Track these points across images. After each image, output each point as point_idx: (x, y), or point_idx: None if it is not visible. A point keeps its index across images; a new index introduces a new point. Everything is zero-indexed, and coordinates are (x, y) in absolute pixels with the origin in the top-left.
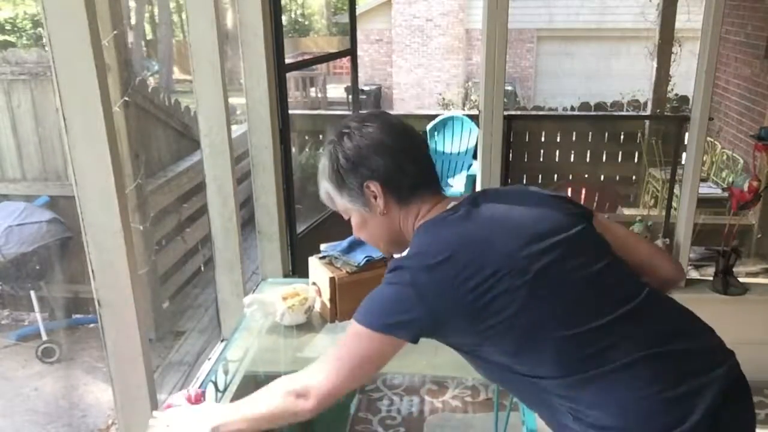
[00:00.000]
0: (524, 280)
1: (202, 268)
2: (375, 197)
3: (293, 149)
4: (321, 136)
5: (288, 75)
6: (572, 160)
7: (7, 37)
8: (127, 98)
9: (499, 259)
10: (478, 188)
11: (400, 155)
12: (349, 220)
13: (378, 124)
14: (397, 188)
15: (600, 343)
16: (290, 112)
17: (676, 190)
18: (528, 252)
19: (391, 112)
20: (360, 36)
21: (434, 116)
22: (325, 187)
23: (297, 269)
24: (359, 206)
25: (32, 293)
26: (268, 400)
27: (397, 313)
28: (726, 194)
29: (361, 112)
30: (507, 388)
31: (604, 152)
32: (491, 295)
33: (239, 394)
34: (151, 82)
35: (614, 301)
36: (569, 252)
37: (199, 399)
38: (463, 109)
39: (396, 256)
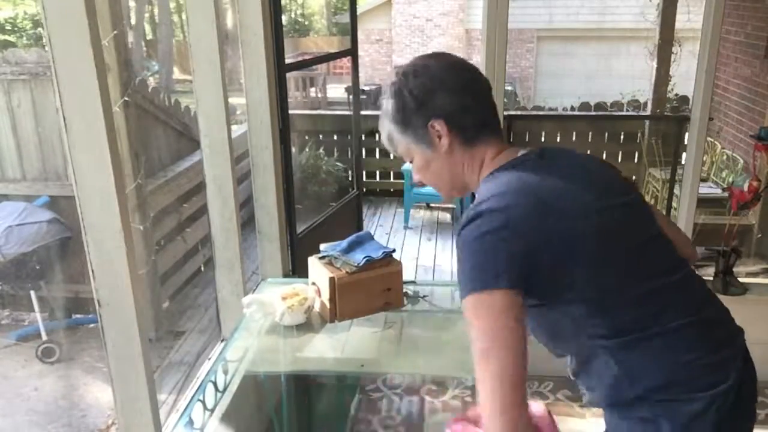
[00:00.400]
0: (594, 230)
1: (202, 268)
2: (440, 136)
3: (293, 149)
4: (321, 136)
5: (288, 75)
6: None
7: (7, 37)
8: (127, 98)
9: (575, 206)
10: None
11: (465, 94)
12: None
13: (444, 62)
14: (462, 127)
15: (651, 307)
16: (290, 112)
17: (676, 190)
18: (600, 205)
19: None
20: (360, 36)
21: None
22: (388, 128)
23: (297, 269)
24: (424, 146)
25: (32, 293)
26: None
27: (498, 262)
28: (726, 194)
29: (423, 55)
30: (565, 352)
31: (604, 152)
32: (574, 240)
33: (239, 394)
34: (151, 82)
35: (664, 269)
36: (633, 214)
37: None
38: None
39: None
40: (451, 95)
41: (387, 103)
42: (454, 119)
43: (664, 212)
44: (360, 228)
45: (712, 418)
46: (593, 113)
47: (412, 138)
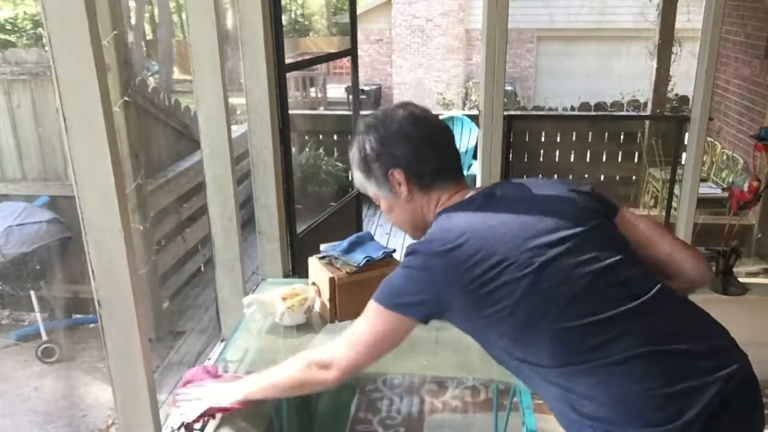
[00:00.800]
0: (527, 272)
1: (202, 268)
2: (399, 184)
3: (293, 149)
4: (321, 136)
5: (288, 75)
6: (572, 160)
7: (7, 37)
8: (127, 98)
9: (506, 249)
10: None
11: (421, 143)
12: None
13: (401, 114)
14: (419, 175)
15: (599, 337)
16: (290, 112)
17: (676, 190)
18: (534, 244)
19: None
20: (360, 36)
21: None
22: (357, 175)
23: (297, 269)
24: (385, 192)
25: (32, 293)
26: (293, 371)
27: (408, 294)
28: (726, 194)
29: (387, 106)
30: (513, 372)
31: (604, 152)
32: (494, 284)
33: None
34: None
35: (620, 297)
36: (578, 246)
37: (217, 373)
38: (463, 109)
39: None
40: (408, 146)
41: (353, 152)
42: (411, 168)
43: (663, 213)
44: (360, 228)
45: None
46: (593, 113)
47: (375, 185)
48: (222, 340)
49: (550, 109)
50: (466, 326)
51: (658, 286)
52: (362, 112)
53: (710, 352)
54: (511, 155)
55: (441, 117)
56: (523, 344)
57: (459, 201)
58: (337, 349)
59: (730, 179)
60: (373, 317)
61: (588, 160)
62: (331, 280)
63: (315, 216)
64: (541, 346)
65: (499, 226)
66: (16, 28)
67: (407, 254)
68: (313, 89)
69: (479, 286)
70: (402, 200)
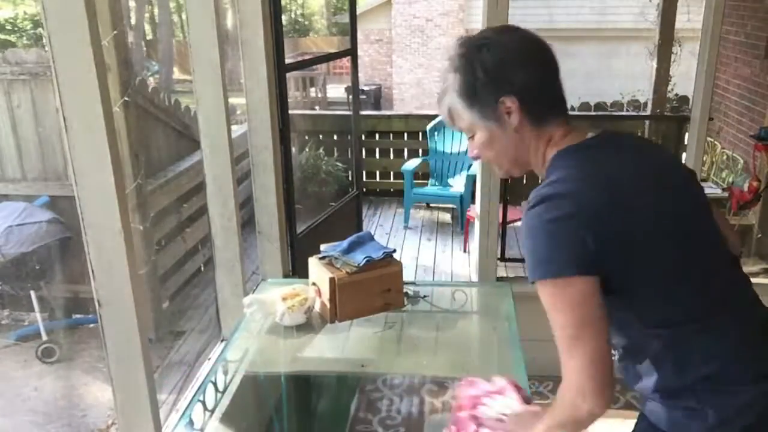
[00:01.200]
0: (662, 219)
1: (202, 268)
2: (509, 113)
3: (293, 149)
4: (321, 136)
5: (288, 75)
6: None
7: (7, 37)
8: (127, 98)
9: (644, 195)
10: (478, 188)
11: (542, 71)
12: (467, 137)
13: (517, 36)
14: (535, 106)
15: (709, 298)
16: (290, 112)
17: None
18: (668, 194)
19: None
20: (360, 36)
21: (434, 116)
22: (451, 102)
23: (297, 269)
24: (490, 123)
25: (32, 293)
26: (568, 414)
27: (566, 248)
28: (726, 194)
29: (493, 27)
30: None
31: None
32: (647, 228)
33: (239, 395)
34: (151, 82)
35: (722, 262)
36: (695, 204)
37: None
38: None
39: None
40: (525, 71)
41: (452, 76)
42: (526, 97)
43: None
44: (360, 228)
45: (757, 411)
46: (593, 113)
47: (478, 113)
48: (222, 340)
49: None
50: (612, 280)
51: (735, 256)
52: (362, 113)
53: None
54: None
55: (441, 117)
56: (662, 299)
57: (579, 141)
58: (569, 369)
59: (730, 179)
60: (557, 298)
61: None
62: (331, 280)
63: (315, 216)
64: (675, 301)
65: (632, 174)
66: (16, 28)
67: (538, 203)
68: (313, 89)
69: (629, 231)
70: (508, 132)
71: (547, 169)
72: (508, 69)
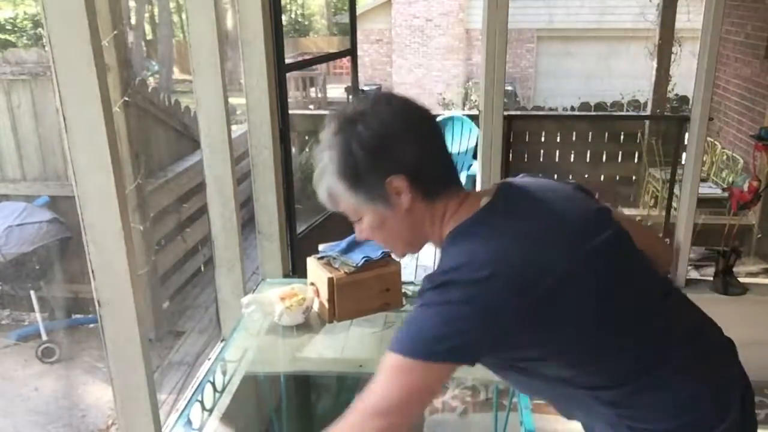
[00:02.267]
0: (589, 280)
1: (202, 268)
2: (399, 193)
3: (293, 149)
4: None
5: (288, 75)
6: (572, 160)
7: (7, 37)
8: (127, 98)
9: (563, 259)
10: (478, 188)
11: (428, 143)
12: (352, 220)
13: (395, 106)
14: (425, 182)
15: (650, 349)
16: (290, 112)
17: (676, 190)
18: (586, 249)
19: None
20: (360, 36)
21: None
22: (330, 186)
23: (297, 269)
24: (378, 205)
25: (32, 293)
26: None
27: (452, 336)
28: (726, 194)
29: (363, 95)
30: (553, 401)
31: (604, 152)
32: (561, 301)
33: (238, 395)
34: (151, 82)
35: (655, 299)
36: (616, 247)
37: None
38: (463, 109)
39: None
40: (410, 146)
41: (329, 155)
42: (415, 174)
43: (663, 213)
44: None
45: None
46: (593, 113)
47: (363, 196)
48: (222, 340)
49: (550, 109)
50: (520, 358)
51: (668, 279)
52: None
53: (717, 333)
54: (511, 155)
55: (441, 117)
56: (589, 367)
57: (476, 211)
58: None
59: (730, 179)
60: (401, 375)
61: (588, 160)
62: (330, 280)
63: (315, 216)
64: (607, 364)
65: (543, 234)
66: (16, 28)
67: (433, 287)
68: (313, 89)
69: (543, 308)
70: (400, 213)
71: (443, 252)
72: (391, 145)
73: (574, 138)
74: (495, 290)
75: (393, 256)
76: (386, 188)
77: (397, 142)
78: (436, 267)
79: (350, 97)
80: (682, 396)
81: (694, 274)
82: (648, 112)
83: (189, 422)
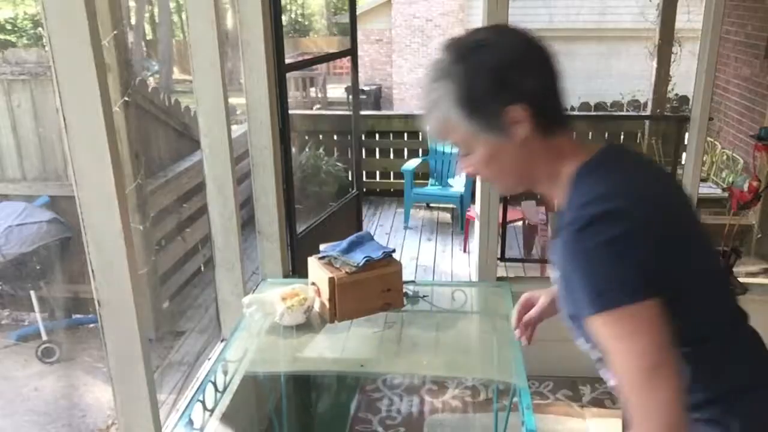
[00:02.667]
0: (696, 234)
1: (202, 268)
2: (516, 124)
3: (293, 149)
4: (321, 136)
5: (288, 75)
6: None
7: (7, 37)
8: (127, 98)
9: (680, 207)
10: (478, 188)
11: (551, 77)
12: (461, 153)
13: (521, 37)
14: (544, 116)
15: (729, 311)
16: (290, 112)
17: None
18: (690, 206)
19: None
20: (360, 36)
21: None
22: (445, 116)
23: (297, 269)
24: (493, 135)
25: (32, 293)
26: None
27: (638, 266)
28: (726, 194)
29: (476, 29)
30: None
31: None
32: (686, 237)
33: (239, 395)
34: (151, 82)
35: (724, 272)
36: (701, 226)
37: None
38: None
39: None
40: (533, 77)
41: (445, 84)
42: (538, 104)
43: None
44: (360, 228)
45: None
46: (593, 113)
47: (479, 125)
48: (222, 340)
49: None
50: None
51: None
52: (362, 112)
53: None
54: None
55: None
56: (690, 316)
57: (597, 153)
58: (654, 404)
59: (730, 179)
60: (632, 330)
61: None
62: (331, 280)
63: (315, 216)
64: (702, 318)
65: (665, 188)
66: (16, 28)
67: (587, 224)
68: (313, 89)
69: (681, 243)
70: (514, 145)
71: (573, 186)
72: (515, 74)
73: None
74: (642, 218)
75: (498, 190)
76: (505, 117)
77: (521, 71)
78: (568, 204)
79: (350, 97)
80: (750, 360)
81: None
82: (648, 112)
83: (190, 422)
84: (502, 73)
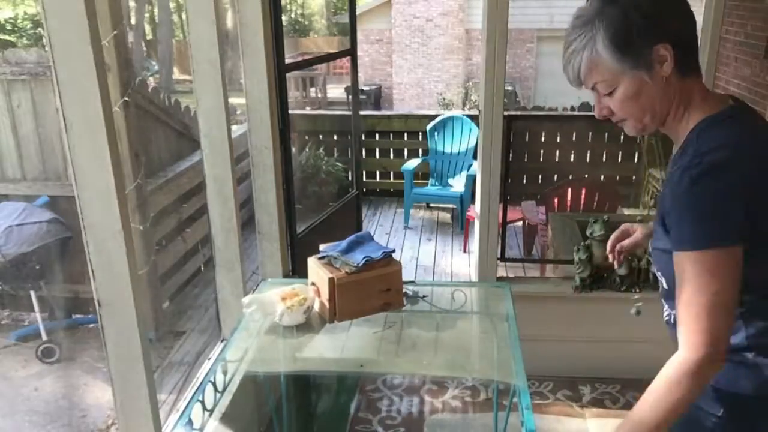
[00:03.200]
0: None
1: (202, 268)
2: (663, 62)
3: (293, 149)
4: (321, 136)
5: (288, 75)
6: (572, 160)
7: (7, 37)
8: (127, 98)
9: None
10: (478, 188)
11: (692, 20)
12: (601, 92)
13: None
14: (685, 56)
15: None
16: (290, 112)
17: None
18: None
19: (391, 112)
20: (360, 36)
21: (434, 116)
22: (593, 56)
23: (297, 269)
24: (642, 71)
25: (32, 293)
26: (674, 394)
27: (736, 215)
28: None
29: None
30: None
31: (604, 152)
32: None
33: (239, 395)
34: (151, 82)
35: None
36: None
37: None
38: (463, 109)
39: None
40: (679, 19)
41: (599, 26)
42: (682, 46)
43: None
44: (360, 228)
45: None
46: (593, 113)
47: (630, 62)
48: (222, 340)
49: (550, 109)
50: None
51: None
52: (362, 112)
53: None
54: (511, 155)
55: (441, 117)
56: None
57: (725, 108)
58: (710, 333)
59: None
60: (718, 268)
61: (588, 160)
62: (330, 280)
63: (315, 216)
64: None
65: None
66: (16, 28)
67: (707, 171)
68: (313, 89)
69: None
70: (658, 82)
71: (698, 134)
72: (665, 15)
73: (574, 138)
74: (756, 173)
75: (628, 130)
76: (653, 55)
77: (671, 12)
78: (688, 149)
79: (350, 97)
80: None
81: None
82: None
83: (190, 422)
84: (654, 13)
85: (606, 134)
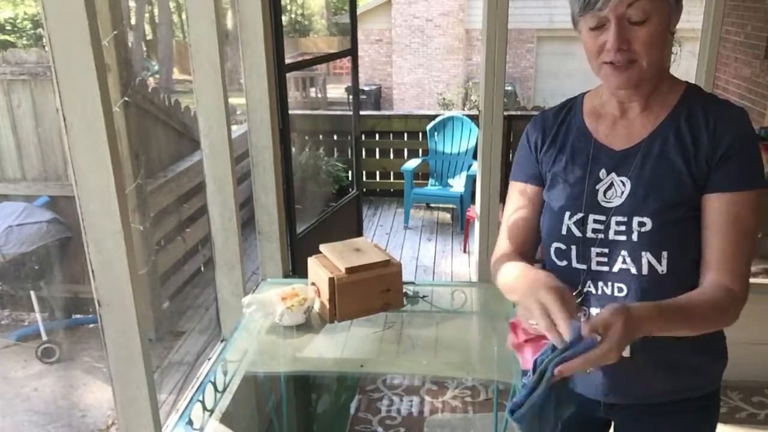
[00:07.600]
0: None
1: (202, 268)
2: (680, 13)
3: (293, 149)
4: (321, 136)
5: (288, 75)
6: None
7: (7, 37)
8: (127, 98)
9: None
10: (478, 188)
11: None
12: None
13: None
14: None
15: None
16: (290, 112)
17: None
18: None
19: (391, 112)
20: (360, 36)
21: (434, 116)
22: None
23: (297, 269)
24: (674, 12)
25: (32, 293)
26: (713, 306)
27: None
28: None
29: None
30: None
31: None
32: None
33: (239, 395)
34: (151, 82)
35: None
36: None
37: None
38: (463, 109)
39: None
40: None
41: None
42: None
43: None
44: (360, 228)
45: None
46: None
47: (676, 9)
48: (222, 340)
49: None
50: None
51: None
52: (362, 113)
53: None
54: (511, 155)
55: (441, 117)
56: None
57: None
58: (742, 273)
59: None
60: (757, 210)
61: None
62: (331, 280)
63: (315, 216)
64: None
65: None
66: (16, 28)
67: (748, 116)
68: (313, 89)
69: None
70: (670, 28)
71: (701, 93)
72: None
73: None
74: None
75: (625, 77)
76: (681, 2)
77: None
78: (713, 98)
79: (350, 97)
80: None
81: None
82: None
83: (190, 422)
84: None
85: None
